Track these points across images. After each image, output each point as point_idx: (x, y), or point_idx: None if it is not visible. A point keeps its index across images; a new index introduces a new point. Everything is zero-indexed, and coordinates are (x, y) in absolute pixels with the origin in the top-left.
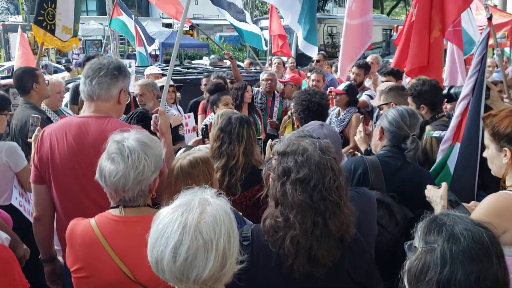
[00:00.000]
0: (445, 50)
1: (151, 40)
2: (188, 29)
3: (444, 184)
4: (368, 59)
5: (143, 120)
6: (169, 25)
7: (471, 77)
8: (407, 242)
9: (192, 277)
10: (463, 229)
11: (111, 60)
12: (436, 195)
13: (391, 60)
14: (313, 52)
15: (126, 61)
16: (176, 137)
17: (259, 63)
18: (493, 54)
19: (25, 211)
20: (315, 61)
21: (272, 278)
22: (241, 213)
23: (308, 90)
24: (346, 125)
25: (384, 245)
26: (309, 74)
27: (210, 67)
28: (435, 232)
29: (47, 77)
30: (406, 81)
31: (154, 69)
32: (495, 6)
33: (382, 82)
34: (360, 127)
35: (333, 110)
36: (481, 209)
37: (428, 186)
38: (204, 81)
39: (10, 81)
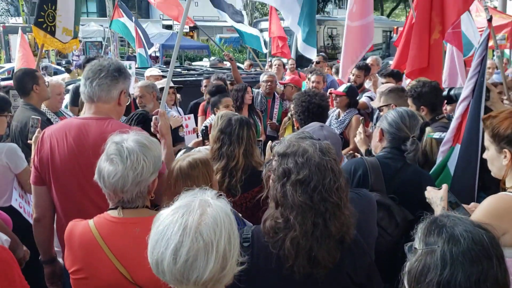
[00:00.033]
0: (444, 52)
1: (151, 44)
2: (188, 30)
3: (444, 186)
4: (368, 61)
5: (144, 121)
6: (169, 27)
7: (471, 78)
8: (407, 243)
9: (193, 278)
10: (463, 231)
11: (111, 62)
12: (436, 196)
13: (391, 62)
14: (312, 54)
15: (126, 63)
16: (176, 138)
17: (260, 65)
18: (493, 55)
19: (25, 212)
20: (315, 63)
21: (272, 279)
22: (241, 215)
23: (308, 92)
24: (346, 127)
25: (384, 247)
26: (309, 75)
27: (210, 69)
28: (435, 234)
29: (47, 78)
30: (406, 82)
31: (154, 70)
32: (495, 7)
33: (382, 83)
34: (360, 129)
35: (333, 112)
36: (481, 211)
37: (428, 188)
38: (204, 82)
39: (10, 82)
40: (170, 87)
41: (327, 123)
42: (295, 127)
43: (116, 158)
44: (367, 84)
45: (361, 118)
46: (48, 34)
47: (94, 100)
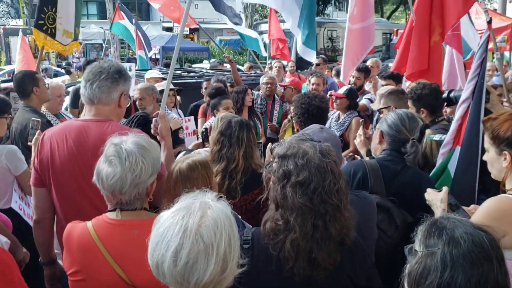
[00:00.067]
0: (444, 54)
1: (150, 47)
2: (188, 33)
3: (445, 188)
4: (368, 63)
5: (144, 123)
6: (169, 29)
7: (471, 80)
8: (407, 245)
9: (193, 281)
10: (463, 233)
11: (112, 64)
12: (436, 198)
13: (391, 64)
14: (311, 57)
15: (126, 65)
16: (176, 140)
17: (260, 67)
18: (493, 58)
19: (25, 214)
20: (315, 65)
21: (273, 281)
22: (240, 217)
23: (307, 94)
24: (346, 129)
25: (384, 249)
26: (309, 77)
27: (210, 71)
28: (436, 236)
29: (47, 80)
30: (406, 84)
31: (154, 72)
32: (495, 10)
33: (382, 85)
34: (360, 131)
35: (333, 114)
36: (481, 213)
37: (428, 190)
38: (204, 84)
39: (10, 84)
40: (170, 89)
41: (327, 125)
42: (295, 129)
43: (115, 160)
44: (367, 86)
45: (361, 120)
46: (48, 36)
47: (94, 102)
